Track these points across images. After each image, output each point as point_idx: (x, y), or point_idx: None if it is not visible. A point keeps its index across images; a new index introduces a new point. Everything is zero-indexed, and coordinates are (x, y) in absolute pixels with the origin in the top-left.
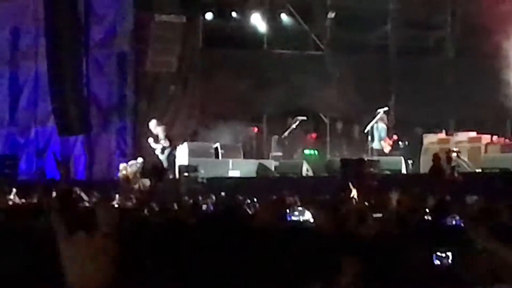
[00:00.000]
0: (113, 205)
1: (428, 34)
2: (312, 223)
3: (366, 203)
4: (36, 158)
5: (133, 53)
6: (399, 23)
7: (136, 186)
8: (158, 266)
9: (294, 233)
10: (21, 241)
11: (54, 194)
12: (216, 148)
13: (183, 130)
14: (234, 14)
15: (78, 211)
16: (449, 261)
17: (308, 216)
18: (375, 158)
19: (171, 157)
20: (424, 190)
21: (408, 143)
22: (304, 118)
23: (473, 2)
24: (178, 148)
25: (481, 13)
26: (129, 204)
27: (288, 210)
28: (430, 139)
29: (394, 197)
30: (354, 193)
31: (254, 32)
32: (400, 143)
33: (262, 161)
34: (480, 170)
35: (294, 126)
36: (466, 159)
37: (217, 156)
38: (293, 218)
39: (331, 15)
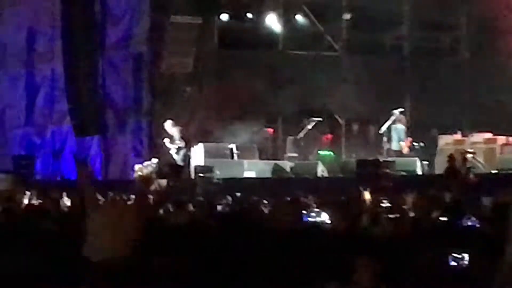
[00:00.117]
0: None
1: (443, 35)
2: (329, 224)
3: (382, 204)
4: (52, 159)
5: (149, 54)
6: (414, 24)
7: (152, 187)
8: (174, 265)
9: (310, 234)
10: (36, 241)
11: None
12: (232, 149)
13: (199, 130)
14: (249, 15)
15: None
16: (465, 262)
17: (324, 217)
18: (391, 159)
19: (186, 158)
20: (439, 191)
21: (424, 144)
22: (320, 119)
23: (488, 2)
24: (193, 148)
25: (496, 14)
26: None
27: (304, 211)
28: (446, 140)
29: (409, 198)
30: (367, 196)
31: (269, 33)
32: (415, 144)
33: (277, 162)
34: (495, 171)
35: (309, 127)
36: (481, 160)
37: (232, 157)
38: (310, 219)
39: (346, 16)
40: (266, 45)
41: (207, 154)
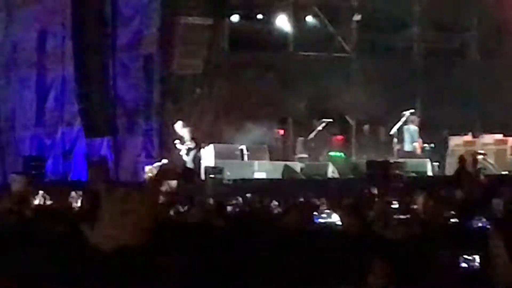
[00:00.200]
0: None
1: (454, 36)
2: (339, 225)
3: (393, 205)
4: (62, 159)
5: (160, 55)
6: (424, 25)
7: (163, 188)
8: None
9: (321, 235)
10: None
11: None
12: (242, 150)
13: (209, 131)
14: (260, 16)
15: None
16: (476, 263)
17: (335, 218)
18: (401, 160)
19: (197, 159)
20: (450, 192)
21: (434, 145)
22: (330, 120)
23: (499, 4)
24: (203, 149)
25: (507, 15)
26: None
27: (315, 212)
28: (456, 141)
29: (420, 199)
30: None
31: (280, 34)
32: (426, 145)
33: (287, 163)
34: (506, 172)
35: (320, 128)
36: (492, 161)
37: (242, 158)
38: (320, 220)
39: (357, 17)
40: (277, 47)
41: (218, 155)
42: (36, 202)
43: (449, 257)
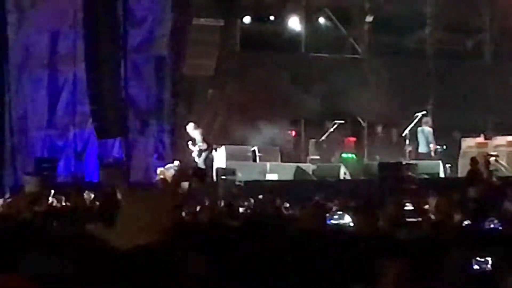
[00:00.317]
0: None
1: (466, 38)
2: (352, 226)
3: (405, 207)
4: (74, 161)
5: (171, 56)
6: (437, 27)
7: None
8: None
9: (334, 237)
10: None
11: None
12: (254, 151)
13: (221, 133)
14: (271, 17)
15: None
16: (488, 265)
17: (347, 219)
18: (413, 161)
19: (208, 160)
20: (462, 194)
21: (446, 147)
22: (342, 121)
23: (511, 5)
24: (215, 151)
25: None
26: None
27: (327, 214)
28: (468, 143)
29: (432, 201)
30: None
31: (292, 36)
32: (438, 147)
33: (299, 164)
34: None
35: (331, 129)
36: (504, 163)
37: (254, 160)
38: (333, 221)
39: (369, 18)
40: (288, 48)
41: (229, 156)
42: (53, 203)
43: (461, 259)
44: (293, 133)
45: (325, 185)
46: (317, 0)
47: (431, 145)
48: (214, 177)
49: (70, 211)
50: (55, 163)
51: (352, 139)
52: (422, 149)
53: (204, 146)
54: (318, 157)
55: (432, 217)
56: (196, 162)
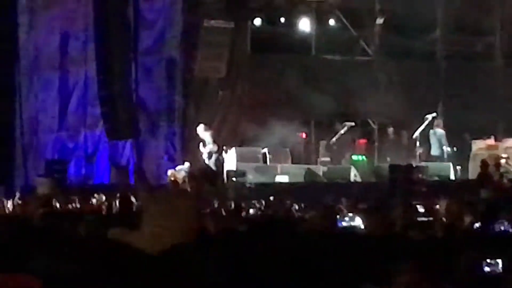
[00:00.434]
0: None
1: (477, 40)
2: (363, 228)
3: (415, 209)
4: (85, 163)
5: (182, 58)
6: (448, 29)
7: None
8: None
9: (345, 239)
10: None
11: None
12: (264, 153)
13: (231, 135)
14: (282, 19)
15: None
16: (499, 268)
17: (358, 221)
18: (424, 164)
19: (219, 162)
20: (472, 196)
21: (457, 149)
22: (352, 123)
23: None
24: (225, 153)
25: None
26: None
27: (338, 216)
28: (479, 145)
29: (442, 203)
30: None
31: (302, 38)
32: (448, 149)
33: (310, 166)
34: None
35: (342, 131)
36: None
37: (265, 161)
38: (343, 223)
39: (380, 20)
40: (299, 50)
41: (240, 158)
42: (65, 205)
43: (472, 261)
44: (304, 135)
45: (336, 187)
46: (328, 2)
47: (444, 148)
48: (225, 179)
49: (84, 213)
50: (66, 165)
51: (363, 141)
52: (434, 151)
53: (215, 147)
54: (328, 159)
55: (443, 219)
56: (206, 164)
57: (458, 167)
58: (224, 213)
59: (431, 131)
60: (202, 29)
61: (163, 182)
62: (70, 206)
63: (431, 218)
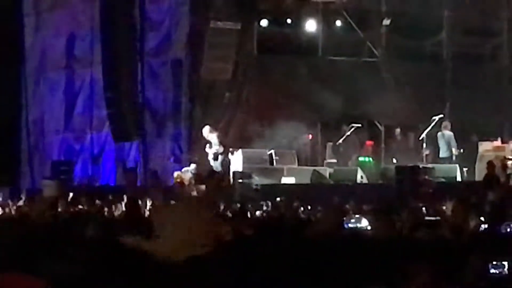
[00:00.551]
0: None
1: (484, 41)
2: (369, 230)
3: (422, 211)
4: (91, 164)
5: (188, 59)
6: (454, 30)
7: (194, 193)
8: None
9: (352, 240)
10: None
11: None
12: (271, 155)
13: (238, 136)
14: (289, 21)
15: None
16: (505, 270)
17: (365, 223)
18: (430, 165)
19: (225, 164)
20: (479, 198)
21: (464, 151)
22: (359, 125)
23: None
24: (231, 154)
25: None
26: None
27: (344, 217)
28: (486, 147)
29: (449, 205)
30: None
31: (309, 39)
32: (457, 151)
33: (316, 168)
34: None
35: (348, 133)
36: None
37: (271, 163)
38: (350, 225)
39: (387, 22)
40: (306, 51)
41: (246, 160)
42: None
43: (479, 263)
44: (310, 136)
45: (342, 189)
46: (334, 3)
47: (453, 149)
48: (231, 181)
49: (90, 215)
50: (72, 166)
51: (370, 142)
52: (443, 154)
53: (221, 149)
54: (335, 160)
55: (450, 221)
56: (212, 166)
57: (465, 169)
58: (230, 215)
59: (439, 133)
60: (208, 30)
61: (169, 184)
62: (76, 208)
63: (438, 218)
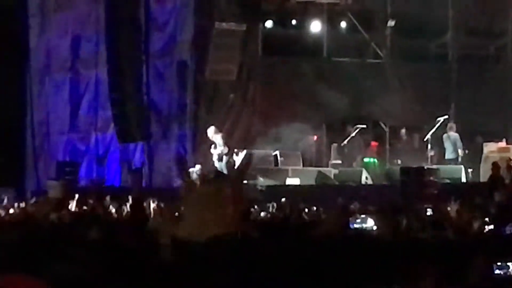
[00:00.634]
0: None
1: (489, 42)
2: (375, 230)
3: (426, 212)
4: (96, 165)
5: (193, 61)
6: (459, 31)
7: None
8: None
9: (357, 241)
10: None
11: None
12: (276, 156)
13: (243, 137)
14: (294, 22)
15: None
16: (510, 271)
17: (370, 223)
18: (435, 166)
19: (230, 165)
20: (484, 199)
21: (468, 152)
22: (364, 126)
23: None
24: (236, 155)
25: None
26: None
27: (350, 218)
28: (490, 148)
29: (454, 206)
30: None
31: (314, 40)
32: (463, 152)
33: (321, 169)
34: None
35: (353, 134)
36: None
37: (276, 164)
38: (355, 225)
39: (391, 23)
40: (311, 52)
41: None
42: (77, 207)
43: (483, 264)
44: (315, 137)
45: (347, 190)
46: (339, 5)
47: (460, 151)
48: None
49: (96, 216)
50: (77, 167)
51: (375, 143)
52: (449, 155)
53: (226, 150)
54: (339, 161)
55: (454, 222)
56: (216, 167)
57: (470, 170)
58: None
59: (444, 135)
60: (213, 32)
61: (174, 184)
62: (81, 209)
63: (442, 220)
